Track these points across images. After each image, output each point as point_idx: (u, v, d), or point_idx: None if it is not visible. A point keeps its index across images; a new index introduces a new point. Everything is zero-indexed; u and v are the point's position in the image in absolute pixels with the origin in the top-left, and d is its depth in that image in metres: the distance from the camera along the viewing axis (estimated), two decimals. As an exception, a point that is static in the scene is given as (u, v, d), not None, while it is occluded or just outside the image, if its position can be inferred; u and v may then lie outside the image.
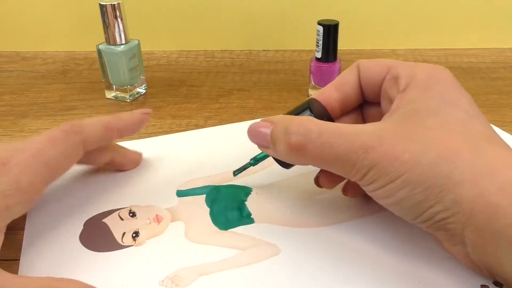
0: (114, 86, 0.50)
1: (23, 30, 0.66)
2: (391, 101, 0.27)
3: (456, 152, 0.22)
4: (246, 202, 0.32)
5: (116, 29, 0.47)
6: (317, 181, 0.30)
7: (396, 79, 0.27)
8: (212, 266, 0.26)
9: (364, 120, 0.31)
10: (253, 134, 0.28)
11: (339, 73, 0.49)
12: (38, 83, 0.55)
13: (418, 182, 0.22)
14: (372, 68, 0.29)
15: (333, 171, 0.25)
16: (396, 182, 0.23)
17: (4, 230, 0.25)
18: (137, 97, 0.51)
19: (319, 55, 0.48)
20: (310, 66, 0.49)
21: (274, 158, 0.29)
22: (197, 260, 0.27)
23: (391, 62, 0.28)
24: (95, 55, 0.50)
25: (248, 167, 0.33)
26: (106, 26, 0.47)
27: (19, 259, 0.27)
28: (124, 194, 0.32)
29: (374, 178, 0.23)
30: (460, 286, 0.24)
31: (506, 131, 0.41)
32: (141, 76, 0.51)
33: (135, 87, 0.50)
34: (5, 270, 0.22)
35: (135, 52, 0.49)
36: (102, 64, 0.49)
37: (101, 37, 0.48)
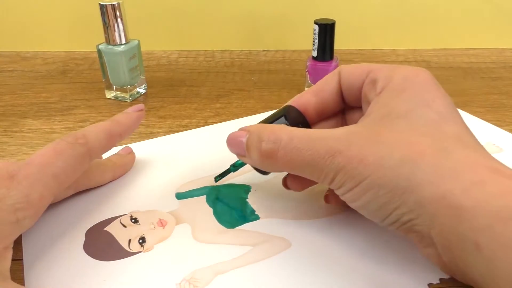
0: (114, 86, 0.50)
1: (23, 30, 0.66)
2: (370, 104, 0.27)
3: (420, 154, 0.22)
4: (247, 200, 0.32)
5: (116, 29, 0.47)
6: (285, 183, 0.30)
7: (374, 82, 0.27)
8: (227, 264, 0.26)
9: (346, 125, 0.31)
10: (230, 143, 0.29)
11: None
12: (38, 83, 0.55)
13: (381, 184, 0.22)
14: (353, 72, 0.29)
15: (305, 176, 0.26)
16: (361, 185, 0.23)
17: (12, 245, 0.25)
18: (137, 97, 0.51)
19: (315, 54, 0.48)
20: (307, 65, 0.49)
21: (251, 165, 0.29)
22: (210, 260, 0.27)
23: (371, 66, 0.28)
24: (95, 55, 0.50)
25: (229, 173, 0.33)
26: (106, 26, 0.47)
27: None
28: (123, 201, 0.32)
29: (341, 182, 0.24)
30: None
31: (506, 131, 0.41)
32: (141, 76, 0.51)
33: (135, 87, 0.50)
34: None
35: (135, 52, 0.49)
36: (102, 64, 0.49)
37: (101, 37, 0.48)
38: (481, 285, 0.21)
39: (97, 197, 0.33)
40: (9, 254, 0.24)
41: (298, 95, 0.31)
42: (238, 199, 0.32)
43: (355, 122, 0.28)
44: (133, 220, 0.30)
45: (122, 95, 0.50)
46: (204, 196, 0.33)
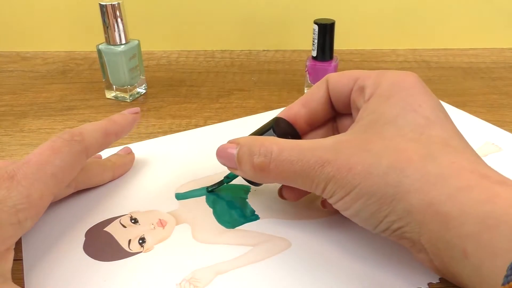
0: (114, 86, 0.50)
1: (23, 30, 0.66)
2: (359, 111, 0.27)
3: (407, 161, 0.22)
4: (247, 200, 0.32)
5: (116, 29, 0.47)
6: (280, 193, 0.30)
7: (362, 89, 0.27)
8: (227, 264, 0.26)
9: (338, 133, 0.31)
10: (221, 156, 0.28)
11: (335, 71, 0.49)
12: (38, 83, 0.55)
13: (370, 193, 0.22)
14: (341, 81, 0.29)
15: (297, 187, 0.26)
16: (351, 194, 0.23)
17: (13, 246, 0.25)
18: (137, 97, 0.51)
19: (314, 54, 0.48)
20: (306, 65, 0.49)
21: (243, 177, 0.29)
22: (210, 260, 0.27)
23: (358, 73, 0.28)
24: (95, 55, 0.50)
25: (222, 185, 0.33)
26: (106, 26, 0.47)
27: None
28: (122, 201, 0.32)
29: (332, 191, 0.24)
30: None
31: (506, 131, 0.41)
32: (141, 76, 0.51)
33: (135, 87, 0.51)
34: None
35: (135, 52, 0.49)
36: (102, 64, 0.49)
37: (101, 37, 0.48)
38: None
39: (97, 197, 0.33)
40: (11, 256, 0.24)
41: (288, 107, 0.31)
42: (238, 199, 0.32)
43: (347, 129, 0.28)
44: (133, 221, 0.30)
45: (122, 95, 0.50)
46: (204, 197, 0.33)
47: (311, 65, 0.48)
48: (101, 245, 0.28)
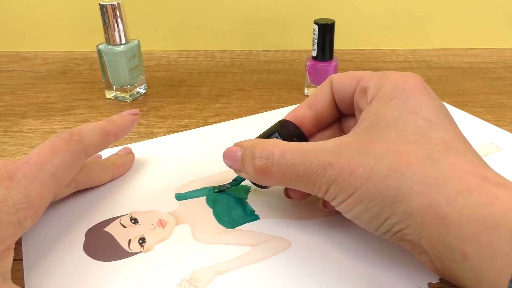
0: (114, 86, 0.50)
1: (23, 30, 0.66)
2: (361, 113, 0.27)
3: (407, 164, 0.22)
4: (247, 200, 0.32)
5: (116, 29, 0.47)
6: (286, 193, 0.30)
7: (365, 91, 0.27)
8: (227, 264, 0.26)
9: (344, 133, 0.31)
10: (226, 158, 0.29)
11: (335, 72, 0.49)
12: (38, 83, 0.55)
13: (372, 195, 0.23)
14: (344, 81, 0.29)
15: (299, 189, 0.26)
16: (353, 197, 0.23)
17: (13, 246, 0.25)
18: (137, 97, 0.51)
19: (314, 54, 0.48)
20: (306, 65, 0.49)
21: (248, 180, 0.29)
22: (210, 260, 0.27)
23: (361, 74, 0.28)
24: (95, 55, 0.50)
25: (230, 188, 0.33)
26: (106, 26, 0.47)
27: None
28: (122, 201, 0.32)
29: (334, 194, 0.24)
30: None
31: (506, 131, 0.41)
32: (141, 76, 0.51)
33: (135, 87, 0.51)
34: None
35: (135, 52, 0.49)
36: (102, 64, 0.49)
37: (101, 37, 0.48)
38: None
39: (97, 197, 0.33)
40: (11, 256, 0.24)
41: (294, 109, 0.31)
42: (238, 199, 0.32)
43: (351, 129, 0.28)
44: (133, 221, 0.30)
45: (122, 95, 0.50)
46: (204, 197, 0.33)
47: (311, 65, 0.49)
48: (101, 245, 0.28)
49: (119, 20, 0.47)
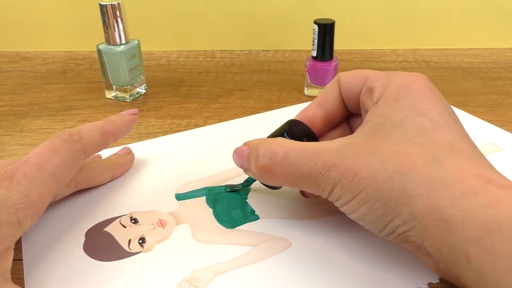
0: (114, 86, 0.50)
1: (23, 30, 0.66)
2: (367, 113, 0.27)
3: (412, 166, 0.22)
4: (247, 200, 0.32)
5: (116, 29, 0.47)
6: (302, 192, 0.30)
7: (371, 91, 0.27)
8: (227, 264, 0.26)
9: (352, 132, 0.31)
10: (235, 157, 0.29)
11: (335, 72, 0.49)
12: (38, 83, 0.55)
13: (376, 197, 0.22)
14: (351, 80, 0.29)
15: (304, 190, 0.26)
16: (357, 199, 0.23)
17: (13, 246, 0.25)
18: (137, 97, 0.51)
19: (314, 54, 0.48)
20: (306, 64, 0.49)
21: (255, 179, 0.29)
22: (210, 260, 0.27)
23: (368, 74, 0.28)
24: (95, 55, 0.50)
25: (241, 188, 0.33)
26: (106, 26, 0.47)
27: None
28: (122, 201, 0.32)
29: (338, 195, 0.24)
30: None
31: (506, 131, 0.41)
32: (141, 76, 0.51)
33: (135, 87, 0.51)
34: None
35: (135, 52, 0.49)
36: (102, 64, 0.49)
37: (101, 37, 0.48)
38: None
39: (97, 197, 0.33)
40: (10, 256, 0.24)
41: (304, 109, 0.31)
42: (238, 199, 0.32)
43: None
44: (132, 221, 0.30)
45: (122, 95, 0.50)
46: (204, 197, 0.33)
47: (311, 65, 0.49)
48: (101, 245, 0.28)
49: (119, 20, 0.47)
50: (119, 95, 0.50)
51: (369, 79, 0.28)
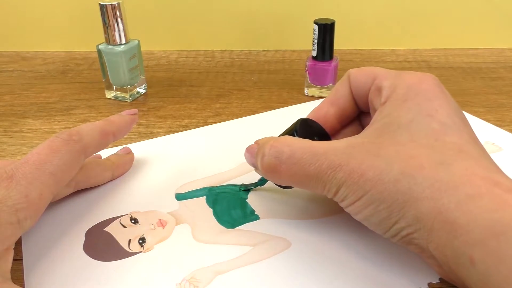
0: (114, 86, 0.50)
1: (23, 30, 0.66)
2: (375, 112, 0.27)
3: (419, 168, 0.22)
4: (247, 200, 0.32)
5: (116, 29, 0.47)
6: None
7: (379, 90, 0.27)
8: (227, 264, 0.26)
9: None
10: (246, 155, 0.29)
11: (335, 72, 0.49)
12: (38, 83, 0.55)
13: (381, 199, 0.22)
14: (360, 78, 0.29)
15: (308, 190, 0.26)
16: (362, 200, 0.23)
17: (13, 246, 0.25)
18: (137, 97, 0.51)
19: (314, 53, 0.48)
20: (306, 64, 0.49)
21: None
22: (210, 260, 0.27)
23: (377, 72, 0.28)
24: (95, 55, 0.50)
25: (255, 187, 0.33)
26: (106, 26, 0.47)
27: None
28: (122, 201, 0.32)
29: (344, 195, 0.24)
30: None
31: (506, 131, 0.41)
32: (141, 76, 0.51)
33: (135, 87, 0.51)
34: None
35: (135, 52, 0.49)
36: (102, 64, 0.49)
37: (101, 37, 0.48)
38: None
39: (97, 197, 0.33)
40: (10, 256, 0.24)
41: (316, 108, 0.31)
42: (238, 199, 0.32)
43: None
44: (133, 221, 0.30)
45: (122, 95, 0.50)
46: (204, 197, 0.33)
47: (311, 65, 0.49)
48: (101, 245, 0.28)
49: (119, 20, 0.47)
50: (119, 95, 0.50)
51: (378, 78, 0.27)
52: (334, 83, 0.49)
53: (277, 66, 0.60)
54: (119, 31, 0.47)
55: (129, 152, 0.36)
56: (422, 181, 0.22)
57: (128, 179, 0.35)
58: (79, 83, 0.55)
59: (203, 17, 0.65)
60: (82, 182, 0.32)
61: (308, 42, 0.51)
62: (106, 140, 0.31)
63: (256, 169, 0.28)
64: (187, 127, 0.43)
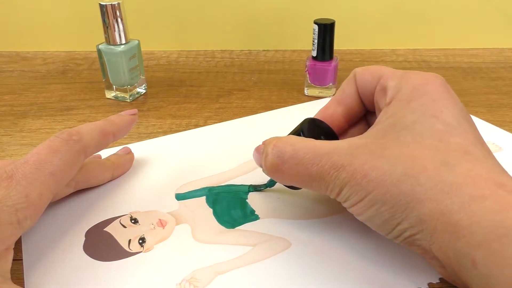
0: (114, 86, 0.50)
1: (23, 30, 0.66)
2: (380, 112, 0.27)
3: (422, 169, 0.22)
4: (247, 200, 0.32)
5: (116, 29, 0.47)
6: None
7: (385, 90, 0.27)
8: (227, 264, 0.26)
9: None
10: (255, 155, 0.29)
11: (335, 72, 0.49)
12: (38, 83, 0.55)
13: (383, 200, 0.22)
14: (365, 77, 0.29)
15: (312, 190, 0.26)
16: (365, 201, 0.23)
17: (13, 246, 0.25)
18: (137, 97, 0.51)
19: (314, 53, 0.48)
20: (306, 64, 0.49)
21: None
22: (210, 260, 0.27)
23: (383, 71, 0.28)
24: (95, 55, 0.50)
25: (264, 188, 0.33)
26: (106, 26, 0.47)
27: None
28: (122, 201, 0.32)
29: (347, 196, 0.24)
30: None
31: (506, 131, 0.41)
32: (141, 76, 0.51)
33: (135, 87, 0.51)
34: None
35: (135, 52, 0.49)
36: (102, 64, 0.49)
37: (101, 37, 0.48)
38: None
39: (97, 197, 0.33)
40: (10, 255, 0.24)
41: (323, 107, 0.31)
42: (238, 199, 0.32)
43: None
44: (133, 221, 0.30)
45: (122, 95, 0.50)
46: (204, 197, 0.33)
47: (311, 65, 0.49)
48: (101, 245, 0.28)
49: (119, 20, 0.47)
50: (119, 95, 0.50)
51: (383, 78, 0.27)
52: (334, 83, 0.49)
53: (277, 66, 0.60)
54: (119, 31, 0.47)
55: (129, 152, 0.36)
56: (425, 182, 0.21)
57: (128, 179, 0.35)
58: (79, 83, 0.55)
59: (203, 17, 0.65)
60: (82, 182, 0.32)
61: (308, 42, 0.51)
62: (106, 140, 0.31)
63: (263, 169, 0.28)
64: (187, 127, 0.43)
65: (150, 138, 0.41)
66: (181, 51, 0.66)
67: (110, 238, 0.29)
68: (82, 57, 0.64)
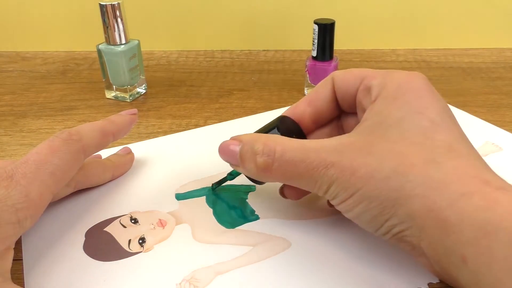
0: (114, 86, 0.50)
1: (23, 30, 0.66)
2: (364, 112, 0.27)
3: (410, 166, 0.22)
4: (247, 200, 0.32)
5: (116, 29, 0.47)
6: (282, 192, 0.30)
7: (369, 90, 0.27)
8: (227, 264, 0.26)
9: (343, 131, 0.31)
10: (223, 152, 0.28)
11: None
12: (38, 83, 0.55)
13: (372, 196, 0.22)
14: (347, 79, 0.29)
15: (300, 187, 0.26)
16: (354, 197, 0.23)
17: (13, 246, 0.25)
18: (137, 97, 0.51)
19: (314, 53, 0.48)
20: (306, 64, 0.49)
21: (245, 175, 0.29)
22: (210, 260, 0.27)
23: (365, 72, 0.28)
24: (95, 55, 0.50)
25: (225, 181, 0.33)
26: (106, 26, 0.47)
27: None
28: (122, 201, 0.32)
29: (335, 193, 0.24)
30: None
31: (506, 131, 0.41)
32: (141, 76, 0.51)
33: (135, 87, 0.51)
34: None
35: (135, 52, 0.49)
36: (102, 64, 0.49)
37: (101, 37, 0.48)
38: None
39: (97, 197, 0.33)
40: (10, 255, 0.24)
41: (293, 105, 0.31)
42: (238, 199, 0.32)
43: (351, 128, 0.28)
44: (133, 221, 0.30)
45: (122, 95, 0.50)
46: (204, 197, 0.33)
47: (311, 65, 0.49)
48: (101, 245, 0.28)
49: (119, 20, 0.47)
50: (119, 95, 0.50)
51: (367, 78, 0.27)
52: (334, 83, 0.49)
53: (277, 66, 0.60)
54: (119, 31, 0.47)
55: (129, 152, 0.36)
56: (413, 179, 0.22)
57: (128, 179, 0.35)
58: (79, 83, 0.55)
59: (203, 17, 0.65)
60: (82, 182, 0.32)
61: (308, 42, 0.51)
62: (106, 140, 0.31)
63: (236, 166, 0.28)
64: (187, 127, 0.43)
65: (150, 138, 0.41)
66: (181, 51, 0.66)
67: (110, 238, 0.29)
68: (82, 57, 0.64)
